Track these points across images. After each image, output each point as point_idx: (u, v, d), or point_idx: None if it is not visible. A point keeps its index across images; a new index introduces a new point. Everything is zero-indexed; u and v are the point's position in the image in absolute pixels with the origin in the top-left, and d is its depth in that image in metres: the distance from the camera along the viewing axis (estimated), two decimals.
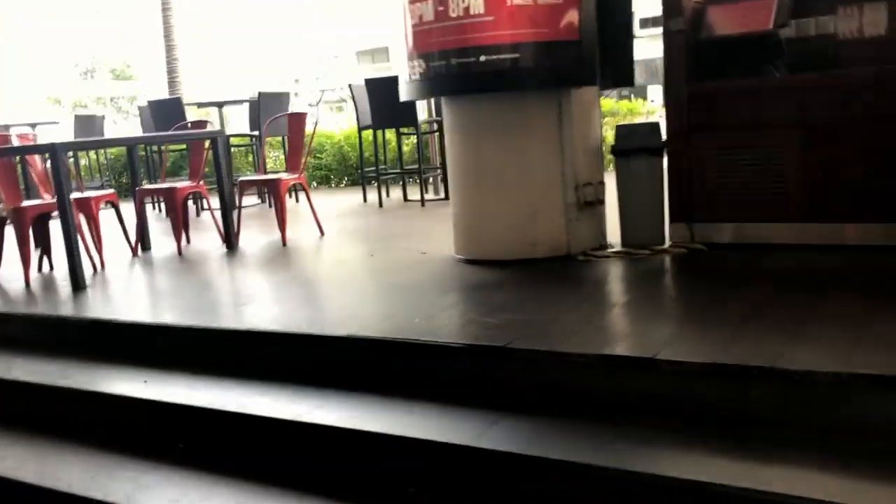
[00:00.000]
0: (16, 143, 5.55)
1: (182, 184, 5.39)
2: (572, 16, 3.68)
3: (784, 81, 3.75)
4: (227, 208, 5.20)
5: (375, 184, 7.64)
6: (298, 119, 5.53)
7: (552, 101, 3.85)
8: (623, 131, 4.10)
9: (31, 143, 5.28)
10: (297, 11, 35.59)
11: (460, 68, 3.72)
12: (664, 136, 3.98)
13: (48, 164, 5.09)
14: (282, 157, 8.59)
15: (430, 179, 7.94)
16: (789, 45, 3.80)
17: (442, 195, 7.39)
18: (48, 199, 4.93)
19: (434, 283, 3.87)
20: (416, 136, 7.48)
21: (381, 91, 7.03)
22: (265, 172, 7.16)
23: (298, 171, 5.49)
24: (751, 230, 3.84)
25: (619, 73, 4.01)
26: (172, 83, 11.23)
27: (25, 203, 4.72)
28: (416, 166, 7.43)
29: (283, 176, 5.34)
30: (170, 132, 5.83)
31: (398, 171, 7.64)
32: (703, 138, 3.87)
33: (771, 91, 3.74)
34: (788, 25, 3.78)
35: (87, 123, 8.89)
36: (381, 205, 7.23)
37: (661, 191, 4.03)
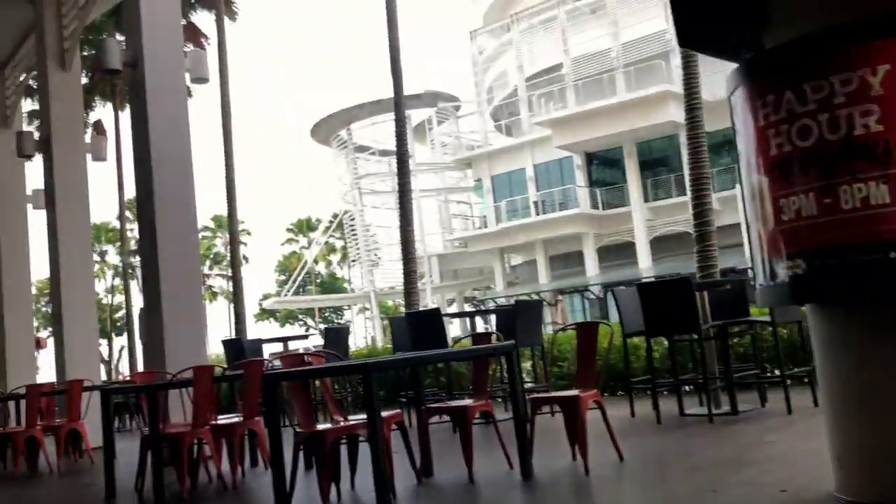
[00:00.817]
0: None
1: (472, 402, 4.96)
2: None
3: None
4: (524, 428, 4.65)
5: (630, 395, 6.98)
6: (590, 328, 5.04)
7: None
8: None
9: (324, 363, 5.11)
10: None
11: (860, 267, 3.07)
12: None
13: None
14: (528, 367, 8.13)
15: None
16: None
17: (726, 408, 6.48)
18: (340, 420, 4.63)
19: None
20: (684, 342, 6.80)
21: (655, 295, 6.52)
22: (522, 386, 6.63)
23: (593, 387, 4.90)
24: None
25: None
26: (411, 294, 11.35)
27: (323, 426, 4.42)
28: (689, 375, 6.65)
29: (581, 393, 4.77)
30: (470, 347, 5.52)
31: (672, 380, 6.86)
32: None
33: None
34: None
35: (335, 334, 9.04)
36: (658, 420, 6.41)
37: None
